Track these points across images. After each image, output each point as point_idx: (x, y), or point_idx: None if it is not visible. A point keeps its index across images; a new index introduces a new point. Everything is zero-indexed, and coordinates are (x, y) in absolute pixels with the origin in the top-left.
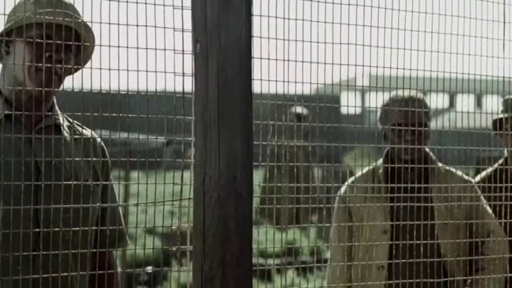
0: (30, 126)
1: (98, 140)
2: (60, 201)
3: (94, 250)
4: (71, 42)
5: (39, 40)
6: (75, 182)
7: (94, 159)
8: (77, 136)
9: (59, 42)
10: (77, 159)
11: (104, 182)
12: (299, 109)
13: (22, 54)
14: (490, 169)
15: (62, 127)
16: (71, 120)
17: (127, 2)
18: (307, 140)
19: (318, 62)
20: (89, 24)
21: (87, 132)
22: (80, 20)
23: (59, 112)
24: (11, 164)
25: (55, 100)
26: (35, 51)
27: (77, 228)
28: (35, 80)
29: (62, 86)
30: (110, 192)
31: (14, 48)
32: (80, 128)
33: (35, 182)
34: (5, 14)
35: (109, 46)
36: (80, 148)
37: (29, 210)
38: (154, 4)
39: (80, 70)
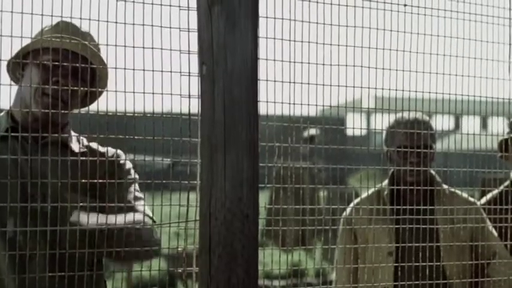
0: (35, 143)
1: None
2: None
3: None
4: (74, 65)
5: (45, 62)
6: (81, 204)
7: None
8: (84, 157)
9: (64, 64)
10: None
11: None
12: (312, 131)
13: (30, 78)
14: (495, 191)
15: (69, 146)
16: (91, 145)
17: (133, 24)
18: (314, 159)
19: (323, 84)
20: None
21: (107, 152)
22: (92, 48)
23: (72, 134)
24: (12, 179)
25: (70, 123)
26: (43, 75)
27: (90, 250)
28: (40, 104)
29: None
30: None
31: (27, 72)
32: (102, 150)
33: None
34: (18, 36)
35: (115, 68)
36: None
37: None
38: (161, 26)
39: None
